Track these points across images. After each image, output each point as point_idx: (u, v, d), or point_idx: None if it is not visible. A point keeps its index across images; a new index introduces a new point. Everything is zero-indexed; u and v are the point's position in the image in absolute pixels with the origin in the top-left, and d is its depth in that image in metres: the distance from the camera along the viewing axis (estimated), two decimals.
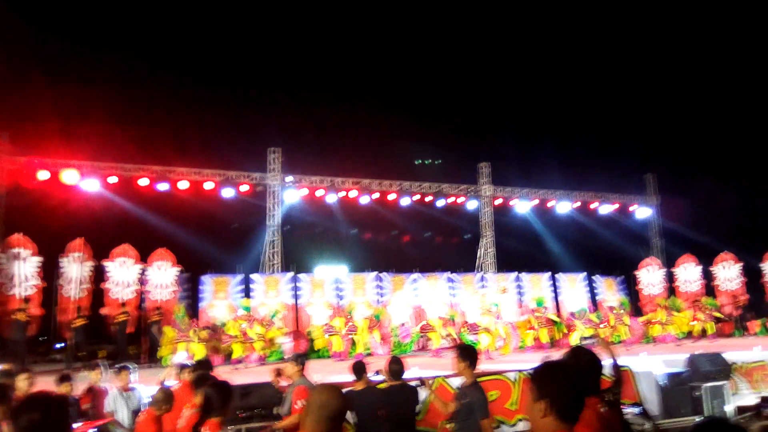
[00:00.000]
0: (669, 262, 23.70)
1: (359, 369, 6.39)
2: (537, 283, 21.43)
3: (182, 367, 7.08)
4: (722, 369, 10.09)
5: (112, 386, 7.44)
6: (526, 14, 29.24)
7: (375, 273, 19.62)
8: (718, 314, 18.54)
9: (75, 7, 24.61)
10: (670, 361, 10.80)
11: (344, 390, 6.35)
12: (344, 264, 22.36)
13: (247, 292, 17.96)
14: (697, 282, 22.40)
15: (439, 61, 31.10)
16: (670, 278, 22.83)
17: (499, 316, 16.78)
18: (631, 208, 25.00)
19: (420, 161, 29.58)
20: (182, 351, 12.97)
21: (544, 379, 2.51)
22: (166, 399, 5.99)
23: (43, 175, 17.33)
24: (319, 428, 2.72)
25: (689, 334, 18.19)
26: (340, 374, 10.37)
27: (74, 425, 6.27)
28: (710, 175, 25.82)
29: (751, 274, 22.15)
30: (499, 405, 8.90)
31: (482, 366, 10.82)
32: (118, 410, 7.04)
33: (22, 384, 6.08)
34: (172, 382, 6.88)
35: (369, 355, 15.49)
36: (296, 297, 18.56)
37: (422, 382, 5.99)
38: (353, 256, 24.12)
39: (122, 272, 16.81)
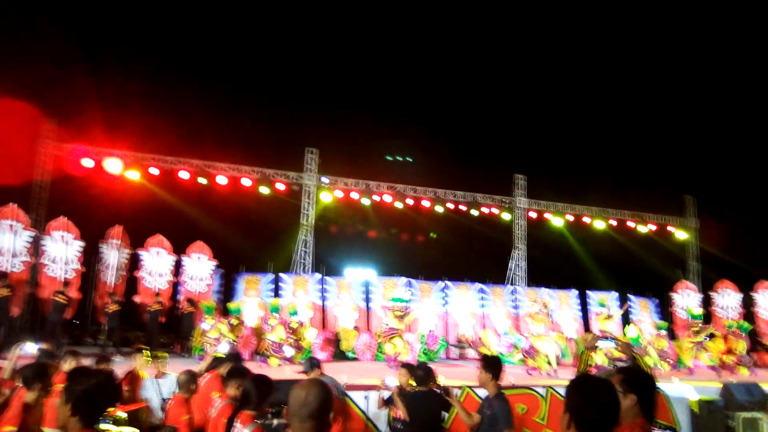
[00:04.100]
0: (705, 287, 23.12)
1: (420, 372, 6.29)
2: (565, 300, 21.12)
3: (215, 359, 7.20)
4: (759, 400, 9.79)
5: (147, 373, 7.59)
6: (564, 32, 28.98)
7: (406, 278, 19.60)
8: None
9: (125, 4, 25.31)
10: (703, 389, 10.53)
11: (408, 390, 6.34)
12: (372, 268, 22.39)
13: (276, 291, 18.14)
14: (736, 309, 21.80)
15: (478, 72, 30.99)
16: (707, 303, 22.25)
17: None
18: (669, 229, 24.49)
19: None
20: (225, 342, 13.12)
21: (571, 392, 2.56)
22: (191, 379, 6.17)
23: (87, 162, 17.82)
24: (303, 428, 2.60)
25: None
26: (366, 376, 10.40)
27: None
28: (752, 200, 25.14)
29: None
30: (527, 418, 8.83)
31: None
32: (152, 396, 7.20)
33: (67, 366, 6.30)
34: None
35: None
36: (323, 298, 18.68)
37: (446, 391, 5.95)
38: (382, 260, 24.14)
39: (156, 262, 17.14)
